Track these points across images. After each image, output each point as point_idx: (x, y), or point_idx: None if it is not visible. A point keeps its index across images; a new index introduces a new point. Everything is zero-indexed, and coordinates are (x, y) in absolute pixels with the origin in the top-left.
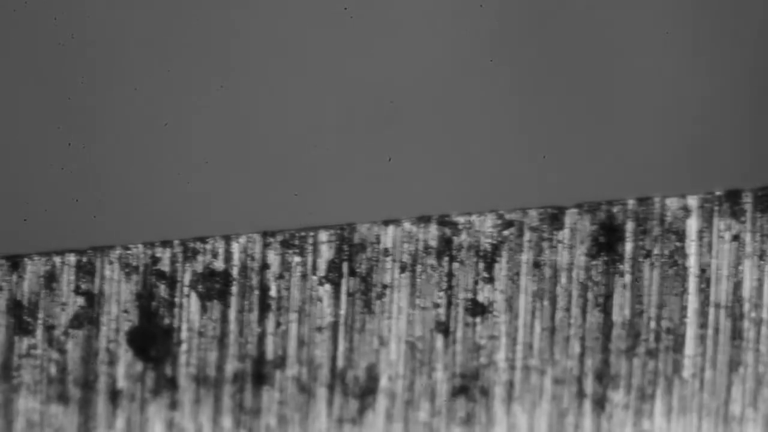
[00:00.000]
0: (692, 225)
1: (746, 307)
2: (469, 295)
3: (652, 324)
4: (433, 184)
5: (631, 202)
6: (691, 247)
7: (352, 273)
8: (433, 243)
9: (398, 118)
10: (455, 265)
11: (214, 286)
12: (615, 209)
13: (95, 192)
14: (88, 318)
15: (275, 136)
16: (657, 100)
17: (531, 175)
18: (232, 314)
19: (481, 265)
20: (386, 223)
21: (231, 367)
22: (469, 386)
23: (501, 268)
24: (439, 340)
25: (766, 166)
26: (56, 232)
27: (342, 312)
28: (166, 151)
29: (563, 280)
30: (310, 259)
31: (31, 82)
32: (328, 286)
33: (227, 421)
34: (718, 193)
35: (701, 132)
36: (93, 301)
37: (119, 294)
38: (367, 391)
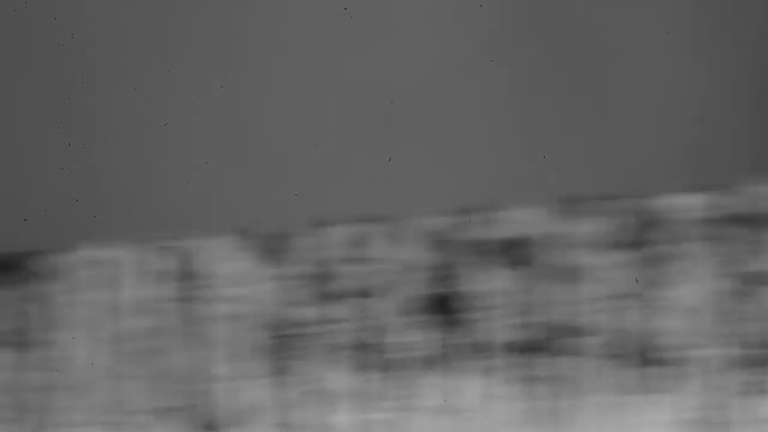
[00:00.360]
0: None
1: None
2: None
3: None
4: (433, 184)
5: None
6: None
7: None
8: None
9: (398, 118)
10: None
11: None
12: None
13: (95, 192)
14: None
15: (275, 136)
16: (658, 100)
17: (531, 175)
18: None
19: None
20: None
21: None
22: None
23: None
24: None
25: (766, 165)
26: (56, 232)
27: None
28: (166, 151)
29: None
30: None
31: (31, 82)
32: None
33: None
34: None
35: (701, 131)
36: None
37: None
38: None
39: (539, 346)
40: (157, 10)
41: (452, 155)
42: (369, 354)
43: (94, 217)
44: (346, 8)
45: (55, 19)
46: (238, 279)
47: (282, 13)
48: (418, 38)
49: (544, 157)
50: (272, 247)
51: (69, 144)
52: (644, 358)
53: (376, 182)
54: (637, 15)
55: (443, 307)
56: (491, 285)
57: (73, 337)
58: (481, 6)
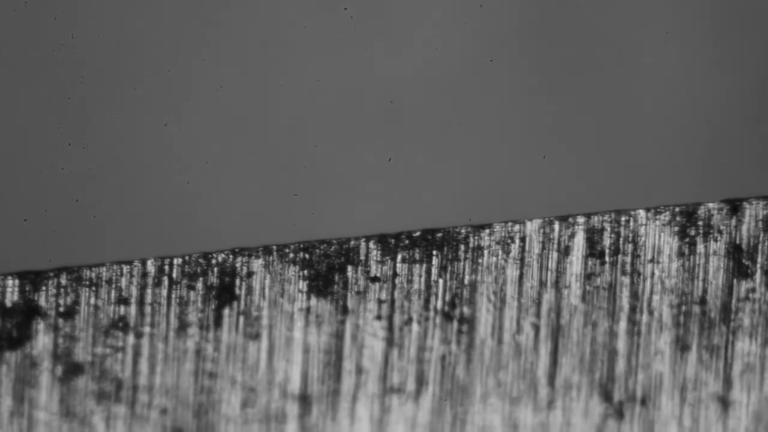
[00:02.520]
0: None
1: None
2: None
3: None
4: (433, 184)
5: None
6: None
7: None
8: None
9: (398, 119)
10: None
11: None
12: None
13: (95, 192)
14: None
15: (275, 135)
16: (659, 100)
17: (531, 174)
18: None
19: None
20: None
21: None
22: None
23: None
24: None
25: None
26: (56, 232)
27: None
28: (166, 151)
29: None
30: None
31: (31, 82)
32: None
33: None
34: None
35: (707, 134)
36: None
37: None
38: None
39: None
40: (157, 11)
41: (452, 155)
42: None
43: (94, 217)
44: (346, 8)
45: (55, 19)
46: (656, 253)
47: (282, 14)
48: (418, 38)
49: (544, 157)
50: (690, 223)
51: (69, 144)
52: None
53: (376, 182)
54: (639, 14)
55: None
56: None
57: (488, 312)
58: (481, 6)
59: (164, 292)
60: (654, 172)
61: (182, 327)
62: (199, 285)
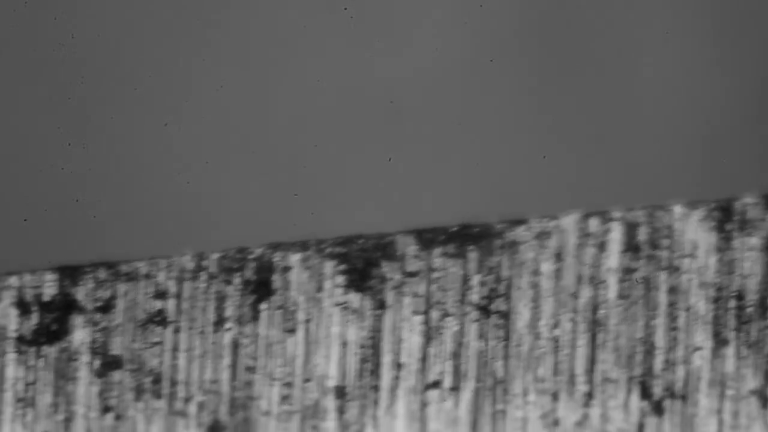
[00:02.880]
0: None
1: None
2: None
3: None
4: (433, 184)
5: None
6: None
7: None
8: None
9: (398, 118)
10: None
11: None
12: None
13: (95, 192)
14: None
15: (275, 135)
16: (659, 100)
17: (532, 174)
18: None
19: None
20: None
21: None
22: None
23: None
24: None
25: None
26: (56, 232)
27: None
28: (166, 151)
29: None
30: None
31: (31, 82)
32: None
33: None
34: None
35: (707, 134)
36: None
37: None
38: None
39: None
40: (157, 11)
41: (452, 155)
42: None
43: (94, 217)
44: (346, 8)
45: (55, 19)
46: (692, 248)
47: (282, 14)
48: (418, 38)
49: (544, 157)
50: (727, 217)
51: (69, 144)
52: None
53: (376, 182)
54: (639, 13)
55: None
56: None
57: (525, 306)
58: (481, 6)
59: (201, 286)
60: (654, 172)
61: (220, 321)
62: (237, 279)
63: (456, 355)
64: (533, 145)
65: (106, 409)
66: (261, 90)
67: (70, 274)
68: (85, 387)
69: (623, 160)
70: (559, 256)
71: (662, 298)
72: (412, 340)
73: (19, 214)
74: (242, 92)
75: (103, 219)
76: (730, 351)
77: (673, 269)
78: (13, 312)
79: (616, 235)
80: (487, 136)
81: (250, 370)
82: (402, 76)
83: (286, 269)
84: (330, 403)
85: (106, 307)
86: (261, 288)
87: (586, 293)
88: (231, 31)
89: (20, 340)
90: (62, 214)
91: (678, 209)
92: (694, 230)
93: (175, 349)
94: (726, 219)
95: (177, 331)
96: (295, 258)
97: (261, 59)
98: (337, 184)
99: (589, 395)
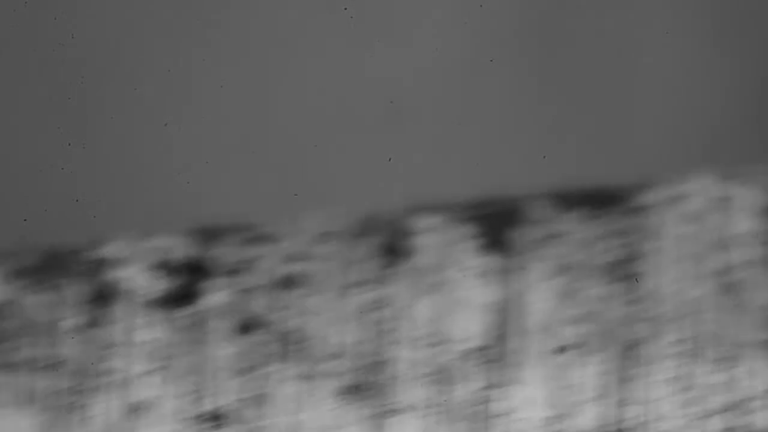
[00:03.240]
0: None
1: None
2: None
3: None
4: (433, 184)
5: None
6: None
7: None
8: None
9: (398, 118)
10: None
11: None
12: None
13: (95, 192)
14: None
15: (275, 135)
16: (659, 100)
17: (532, 174)
18: None
19: None
20: None
21: None
22: None
23: None
24: None
25: None
26: (56, 232)
27: None
28: (166, 151)
29: None
30: None
31: (31, 82)
32: None
33: None
34: None
35: (707, 134)
36: None
37: None
38: None
39: None
40: (157, 10)
41: (452, 155)
42: None
43: (94, 217)
44: (346, 8)
45: (55, 19)
46: None
47: (282, 13)
48: (418, 38)
49: (544, 157)
50: None
51: (69, 144)
52: None
53: (376, 182)
54: (638, 15)
55: None
56: None
57: (659, 270)
58: (481, 6)
59: (332, 250)
60: (653, 172)
61: (353, 284)
62: (370, 242)
63: (589, 318)
64: (533, 145)
65: (240, 372)
66: (261, 90)
67: (205, 236)
68: (220, 350)
69: (623, 160)
70: (691, 219)
71: None
72: (545, 303)
73: (19, 214)
74: (242, 92)
75: (103, 219)
76: None
77: None
78: (147, 275)
79: (747, 198)
80: (487, 136)
81: (385, 332)
82: (402, 76)
83: (419, 232)
84: (463, 365)
85: (240, 270)
86: (394, 251)
87: (719, 257)
88: (231, 31)
89: (154, 303)
90: (62, 214)
91: None
92: None
93: (309, 311)
94: None
95: (310, 293)
96: (428, 221)
97: (261, 59)
98: (337, 184)
99: (723, 359)
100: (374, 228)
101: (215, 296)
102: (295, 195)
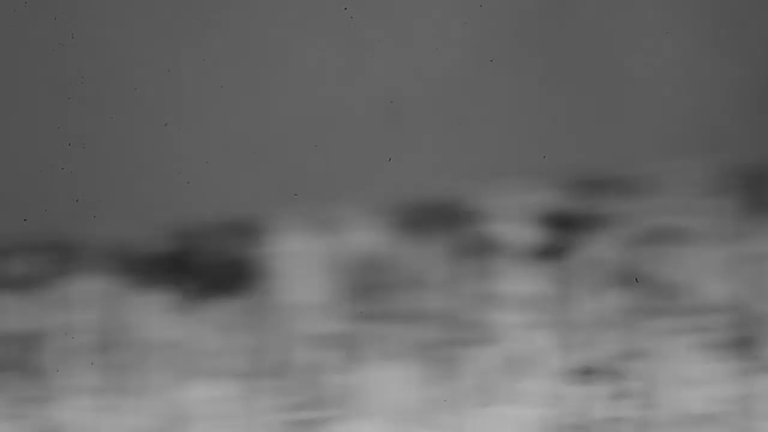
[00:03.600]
0: None
1: None
2: None
3: None
4: (433, 184)
5: None
6: None
7: None
8: None
9: (398, 118)
10: None
11: None
12: None
13: (95, 192)
14: None
15: (275, 135)
16: (658, 99)
17: (531, 172)
18: None
19: None
20: None
21: None
22: None
23: None
24: None
25: None
26: (56, 232)
27: None
28: (166, 150)
29: None
30: None
31: (31, 82)
32: None
33: None
34: None
35: (707, 134)
36: None
37: None
38: None
39: None
40: (157, 10)
41: (452, 155)
42: None
43: (94, 217)
44: (346, 8)
45: (55, 19)
46: None
47: (282, 13)
48: (419, 38)
49: (544, 157)
50: None
51: (69, 144)
52: None
53: (376, 182)
54: (638, 15)
55: None
56: None
57: None
58: (481, 6)
59: (708, 203)
60: (654, 172)
61: (731, 237)
62: (742, 196)
63: None
64: (533, 145)
65: (614, 325)
66: (261, 90)
67: (582, 188)
68: (594, 303)
69: (623, 159)
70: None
71: None
72: None
73: (19, 214)
74: (242, 92)
75: (103, 219)
76: None
77: None
78: (522, 228)
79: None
80: (487, 136)
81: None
82: (402, 76)
83: None
84: None
85: (616, 222)
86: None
87: None
88: (231, 31)
89: (530, 255)
90: (62, 214)
91: None
92: None
93: (685, 265)
94: None
95: (686, 246)
96: None
97: (261, 59)
98: (336, 184)
99: None
100: (743, 182)
101: (590, 249)
102: (295, 195)
